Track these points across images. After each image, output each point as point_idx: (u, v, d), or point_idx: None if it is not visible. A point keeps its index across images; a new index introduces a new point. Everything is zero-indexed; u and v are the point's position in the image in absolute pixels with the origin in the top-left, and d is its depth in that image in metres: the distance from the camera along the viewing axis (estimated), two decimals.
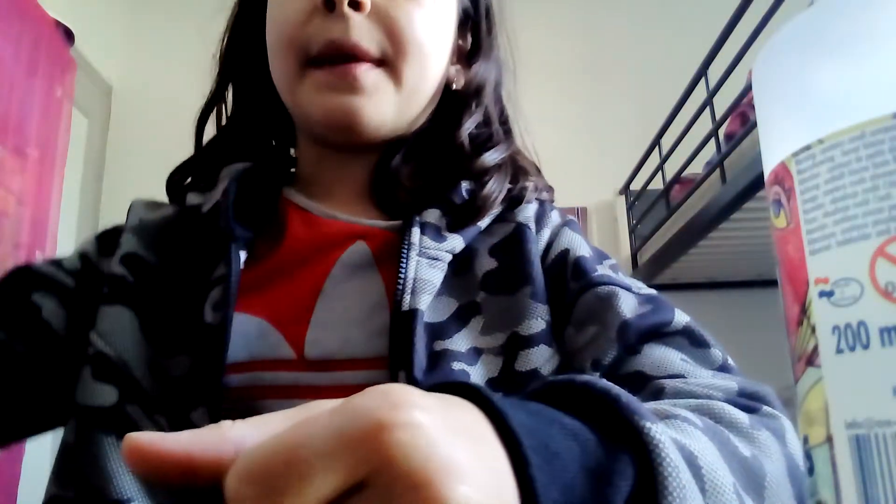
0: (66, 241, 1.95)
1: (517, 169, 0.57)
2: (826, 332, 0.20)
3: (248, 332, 0.47)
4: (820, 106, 0.21)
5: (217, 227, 0.51)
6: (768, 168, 0.23)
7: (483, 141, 0.57)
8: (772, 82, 0.23)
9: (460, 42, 0.59)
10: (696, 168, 1.71)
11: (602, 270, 0.50)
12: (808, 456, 0.21)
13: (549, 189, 0.59)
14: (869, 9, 0.20)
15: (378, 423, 0.19)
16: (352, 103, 0.50)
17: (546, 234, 0.53)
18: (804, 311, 0.21)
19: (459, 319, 0.48)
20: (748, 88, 1.40)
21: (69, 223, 2.03)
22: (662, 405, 0.35)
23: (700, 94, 1.62)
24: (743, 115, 1.48)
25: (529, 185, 0.56)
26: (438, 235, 0.50)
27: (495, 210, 0.53)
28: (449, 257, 0.50)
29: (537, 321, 0.47)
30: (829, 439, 0.20)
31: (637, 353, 0.45)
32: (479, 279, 0.50)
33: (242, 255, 0.51)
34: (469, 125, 0.56)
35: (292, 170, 0.62)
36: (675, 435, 0.28)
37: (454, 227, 0.51)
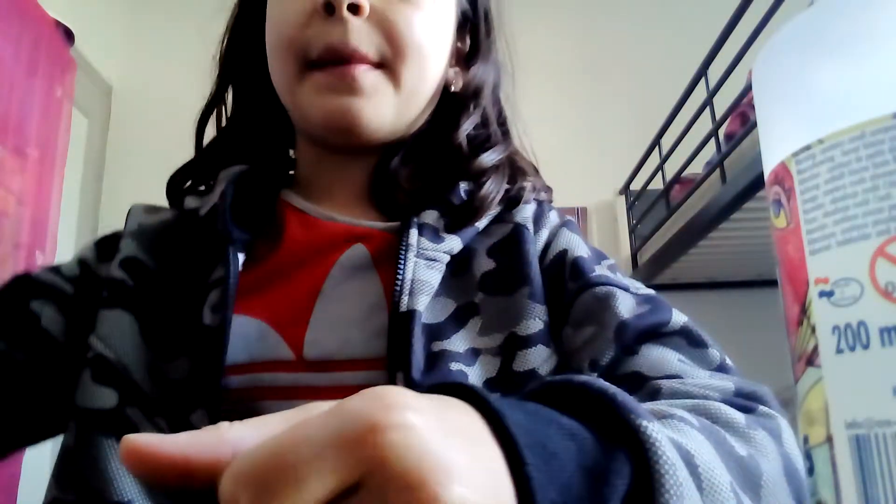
0: (66, 241, 1.95)
1: (515, 169, 0.57)
2: (826, 332, 0.20)
3: (247, 334, 0.47)
4: (820, 106, 0.21)
5: (215, 229, 0.51)
6: (768, 168, 0.23)
7: (481, 142, 0.57)
8: (772, 82, 0.23)
9: (459, 44, 0.59)
10: (696, 168, 1.71)
11: (600, 271, 0.50)
12: (808, 456, 0.21)
13: (548, 189, 0.59)
14: (869, 9, 0.20)
15: (371, 425, 0.19)
16: (351, 105, 0.50)
17: (544, 234, 0.53)
18: (804, 311, 0.21)
19: (457, 320, 0.48)
20: (748, 88, 1.40)
21: (69, 223, 2.03)
22: (659, 405, 0.35)
23: (700, 94, 1.62)
24: (743, 115, 1.48)
25: (527, 185, 0.56)
26: (436, 236, 0.50)
27: (493, 210, 0.53)
28: (447, 258, 0.50)
29: (535, 321, 0.47)
30: (829, 439, 0.20)
31: (635, 353, 0.45)
32: (478, 280, 0.50)
33: (241, 257, 0.51)
34: (467, 126, 0.56)
35: (290, 172, 0.62)
36: (671, 434, 0.28)
37: (452, 228, 0.51)
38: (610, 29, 2.51)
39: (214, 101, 0.60)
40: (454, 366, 0.44)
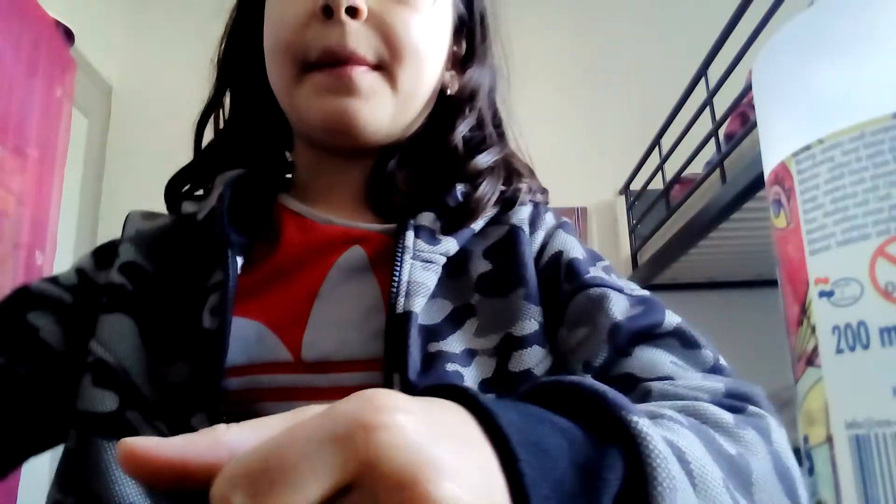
0: (66, 241, 1.95)
1: (511, 171, 0.58)
2: (826, 332, 0.20)
3: (245, 336, 0.47)
4: (820, 106, 0.21)
5: (213, 233, 0.51)
6: (768, 168, 0.23)
7: (476, 144, 0.57)
8: (772, 82, 0.23)
9: (455, 48, 0.59)
10: (696, 168, 1.71)
11: (595, 272, 0.50)
12: (809, 456, 0.21)
13: (544, 191, 0.60)
14: (869, 9, 0.20)
15: (361, 425, 0.19)
16: (349, 106, 0.50)
17: (540, 236, 0.54)
18: (804, 311, 0.21)
19: (454, 321, 0.48)
20: (748, 88, 1.40)
21: (69, 223, 2.03)
22: (649, 406, 0.36)
23: (700, 94, 1.61)
24: (743, 115, 1.48)
25: (523, 186, 0.56)
26: (432, 238, 0.50)
27: (489, 212, 0.53)
28: (443, 260, 0.50)
29: (531, 322, 0.48)
30: (829, 439, 0.20)
31: (628, 355, 0.45)
32: (474, 281, 0.50)
33: (239, 260, 0.51)
34: (463, 129, 0.56)
35: (288, 175, 0.62)
36: (662, 432, 0.28)
37: (448, 230, 0.51)
38: (610, 29, 2.51)
39: (212, 105, 0.60)
40: (450, 367, 0.45)
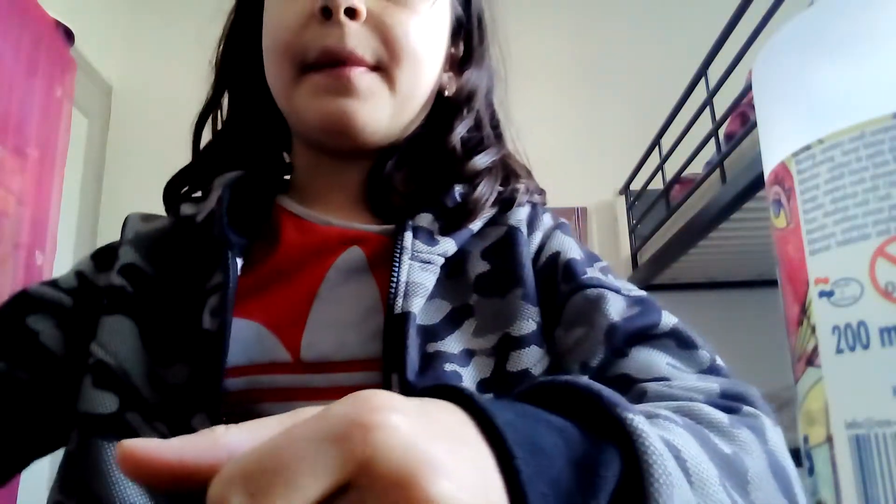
0: (66, 241, 1.95)
1: (508, 172, 0.58)
2: (826, 332, 0.20)
3: (245, 337, 0.47)
4: (820, 106, 0.21)
5: (212, 235, 0.51)
6: (768, 168, 0.23)
7: (474, 145, 0.57)
8: (772, 82, 0.23)
9: (453, 50, 0.59)
10: (696, 168, 1.71)
11: (592, 273, 0.50)
12: (809, 456, 0.21)
13: (541, 192, 0.60)
14: (869, 9, 0.20)
15: (358, 425, 0.20)
16: (347, 106, 0.50)
17: (538, 236, 0.54)
18: (804, 311, 0.21)
19: (452, 322, 0.48)
20: (748, 88, 1.40)
21: (69, 223, 2.03)
22: (645, 407, 0.36)
23: (700, 94, 1.61)
24: (743, 115, 1.48)
25: (520, 186, 0.57)
26: (431, 239, 0.50)
27: (487, 212, 0.54)
28: (441, 260, 0.50)
29: (528, 322, 0.48)
30: (829, 439, 0.20)
31: (624, 355, 0.45)
32: (472, 282, 0.50)
33: (239, 261, 0.51)
34: (461, 130, 0.57)
35: (286, 177, 0.62)
36: (658, 431, 0.28)
37: (446, 231, 0.52)
38: (610, 29, 2.51)
39: (210, 106, 0.60)
40: (448, 367, 0.45)
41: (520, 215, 0.54)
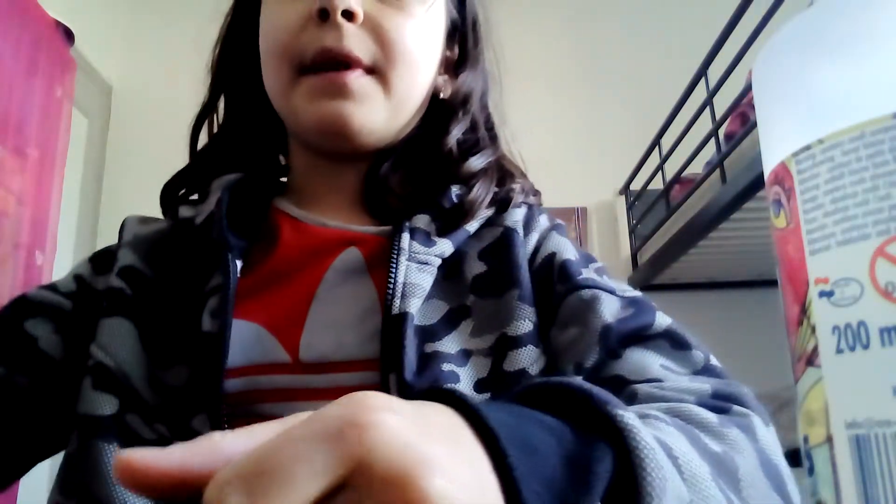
0: (66, 241, 1.95)
1: (504, 173, 0.58)
2: (826, 332, 0.20)
3: (244, 338, 0.47)
4: (820, 106, 0.21)
5: (211, 237, 0.51)
6: (768, 168, 0.23)
7: (470, 146, 0.58)
8: (772, 82, 0.23)
9: (448, 53, 0.60)
10: (696, 168, 1.71)
11: (587, 274, 0.51)
12: (809, 456, 0.21)
13: (536, 193, 0.61)
14: (869, 9, 0.20)
15: (353, 425, 0.20)
16: (343, 109, 0.51)
17: (534, 237, 0.54)
18: (804, 311, 0.21)
19: (450, 322, 0.49)
20: (748, 88, 1.40)
21: (69, 223, 2.03)
22: (635, 408, 0.36)
23: (700, 94, 1.61)
24: (743, 115, 1.48)
25: (516, 187, 0.57)
26: (428, 240, 0.51)
27: (483, 213, 0.54)
28: (438, 261, 0.51)
29: (525, 322, 0.48)
30: (829, 439, 0.20)
31: (618, 357, 0.46)
32: (469, 282, 0.51)
33: (238, 263, 0.51)
34: (456, 132, 0.57)
35: (282, 179, 0.63)
36: (650, 429, 0.29)
37: (443, 232, 0.52)
38: (610, 29, 2.51)
39: (207, 109, 0.60)
40: (446, 367, 0.45)
41: (516, 216, 0.55)
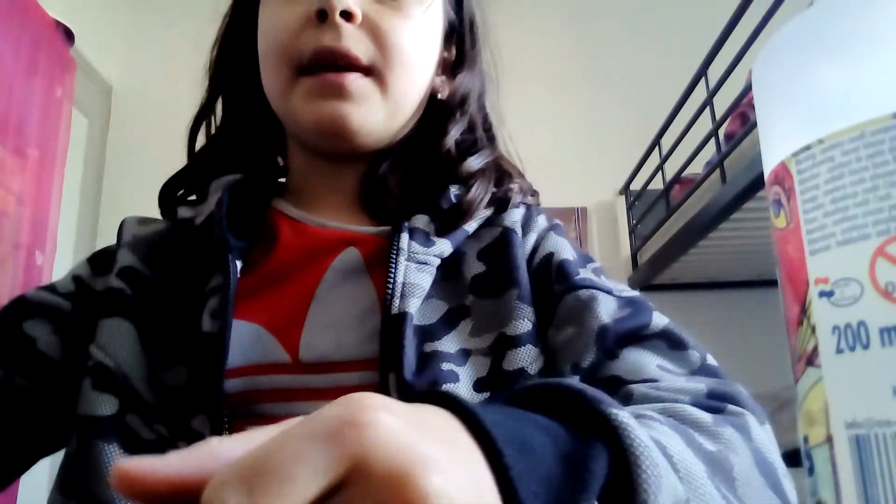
0: (66, 241, 1.95)
1: (502, 173, 0.59)
2: (826, 332, 0.20)
3: (244, 339, 0.47)
4: (820, 106, 0.21)
5: (211, 238, 0.51)
6: (768, 168, 0.23)
7: (468, 147, 0.58)
8: (772, 82, 0.23)
9: (445, 54, 0.60)
10: (696, 168, 1.71)
11: (584, 274, 0.51)
12: (809, 456, 0.21)
13: (534, 193, 0.61)
14: (869, 9, 0.20)
15: (350, 424, 0.20)
16: (341, 109, 0.51)
17: (532, 238, 0.55)
18: (804, 311, 0.21)
19: (449, 322, 0.49)
20: (748, 88, 1.40)
21: (69, 223, 2.03)
22: (630, 408, 0.36)
23: (700, 94, 1.61)
24: (743, 115, 1.48)
25: (514, 187, 0.57)
26: (427, 240, 0.51)
27: (482, 213, 0.54)
28: (437, 261, 0.51)
29: (524, 322, 0.48)
30: (829, 439, 0.20)
31: (615, 357, 0.46)
32: (468, 282, 0.51)
33: (238, 264, 0.51)
34: (454, 133, 0.57)
35: (280, 180, 0.63)
36: (644, 429, 0.29)
37: (442, 232, 0.52)
38: (610, 29, 2.51)
39: (204, 111, 0.61)
40: (445, 366, 0.45)
41: (514, 217, 0.55)
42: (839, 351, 0.20)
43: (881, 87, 0.20)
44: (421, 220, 0.52)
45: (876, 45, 0.20)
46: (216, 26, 0.61)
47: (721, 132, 1.51)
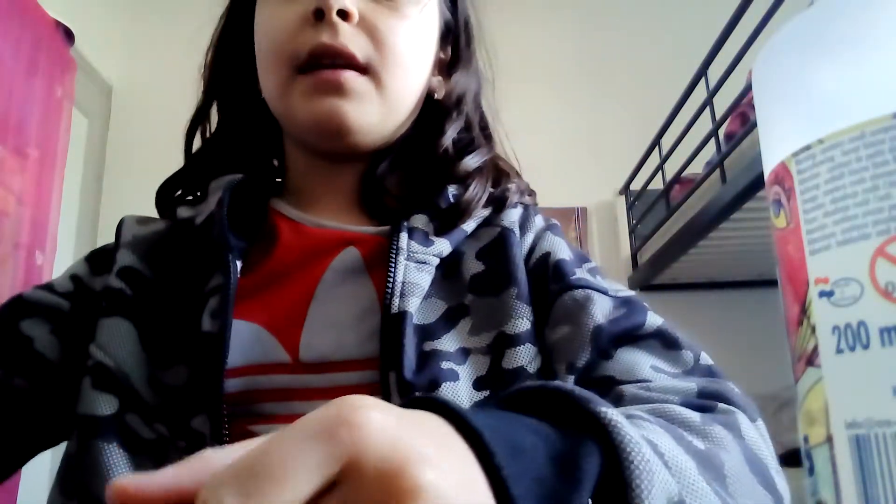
0: (66, 241, 1.95)
1: (499, 173, 0.59)
2: (826, 332, 0.20)
3: (244, 338, 0.47)
4: (820, 106, 0.21)
5: (211, 238, 0.51)
6: (768, 168, 0.23)
7: (464, 146, 0.58)
8: (772, 82, 0.23)
9: (441, 55, 0.60)
10: (696, 168, 1.71)
11: (580, 273, 0.51)
12: (809, 456, 0.21)
13: (532, 193, 0.61)
14: (869, 9, 0.20)
15: (343, 422, 0.20)
16: (338, 107, 0.51)
17: (530, 237, 0.55)
18: (804, 311, 0.21)
19: (448, 321, 0.49)
20: (748, 88, 1.40)
21: (69, 223, 2.03)
22: (620, 409, 0.36)
23: (700, 94, 1.61)
24: (743, 115, 1.47)
25: (512, 186, 0.58)
26: (426, 240, 0.51)
27: (480, 213, 0.55)
28: (436, 261, 0.51)
29: (522, 321, 0.48)
30: (829, 439, 0.20)
31: (610, 357, 0.46)
32: (467, 282, 0.51)
33: (238, 264, 0.51)
34: (451, 132, 0.58)
35: (278, 180, 0.63)
36: (635, 428, 0.29)
37: (441, 232, 0.53)
38: (610, 29, 2.51)
39: (201, 113, 0.61)
40: (445, 365, 0.45)
41: (512, 217, 0.55)
42: (839, 351, 0.20)
43: (881, 87, 0.20)
44: (420, 220, 0.52)
45: (876, 45, 0.20)
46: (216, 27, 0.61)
47: (721, 132, 1.51)
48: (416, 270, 0.49)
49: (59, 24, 1.87)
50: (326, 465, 0.20)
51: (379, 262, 0.50)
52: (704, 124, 1.59)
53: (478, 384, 0.46)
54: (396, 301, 0.47)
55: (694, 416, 0.37)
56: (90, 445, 0.44)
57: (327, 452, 0.20)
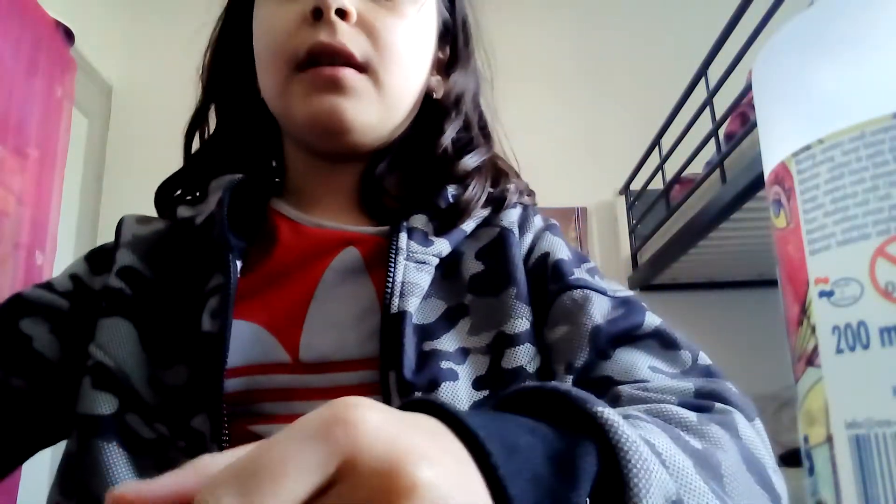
0: (66, 241, 1.95)
1: (498, 172, 0.59)
2: (826, 332, 0.20)
3: (244, 338, 0.47)
4: (820, 106, 0.21)
5: (211, 238, 0.52)
6: (768, 168, 0.23)
7: (463, 145, 0.59)
8: (772, 82, 0.23)
9: (440, 54, 0.60)
10: (696, 168, 1.71)
11: (579, 274, 0.51)
12: (809, 456, 0.21)
13: (531, 193, 0.62)
14: (869, 9, 0.20)
15: (339, 422, 0.20)
16: (337, 104, 0.51)
17: (529, 238, 0.55)
18: (804, 311, 0.21)
19: (448, 320, 0.49)
20: (748, 88, 1.40)
21: (69, 223, 2.03)
22: (618, 410, 0.36)
23: (700, 94, 1.61)
24: (743, 115, 1.47)
25: (511, 186, 0.58)
26: (425, 240, 0.51)
27: (479, 213, 0.55)
28: (436, 261, 0.51)
29: (522, 321, 0.49)
30: (829, 439, 0.20)
31: (608, 357, 0.46)
32: (467, 282, 0.51)
33: (238, 263, 0.51)
34: (450, 132, 0.58)
35: (277, 180, 0.63)
36: (632, 428, 0.29)
37: (440, 232, 0.53)
38: (610, 29, 2.51)
39: (200, 114, 0.61)
40: (444, 364, 0.45)
41: (511, 217, 0.55)
42: (839, 351, 0.20)
43: (881, 87, 0.20)
44: (419, 220, 0.52)
45: (876, 45, 0.20)
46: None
47: (721, 132, 1.51)
48: (415, 270, 0.49)
49: (59, 24, 1.87)
50: (323, 465, 0.20)
51: (378, 262, 0.50)
52: (704, 124, 1.59)
53: (477, 384, 0.46)
54: (396, 301, 0.47)
55: (691, 416, 0.37)
56: (90, 445, 0.44)
57: (324, 452, 0.20)
